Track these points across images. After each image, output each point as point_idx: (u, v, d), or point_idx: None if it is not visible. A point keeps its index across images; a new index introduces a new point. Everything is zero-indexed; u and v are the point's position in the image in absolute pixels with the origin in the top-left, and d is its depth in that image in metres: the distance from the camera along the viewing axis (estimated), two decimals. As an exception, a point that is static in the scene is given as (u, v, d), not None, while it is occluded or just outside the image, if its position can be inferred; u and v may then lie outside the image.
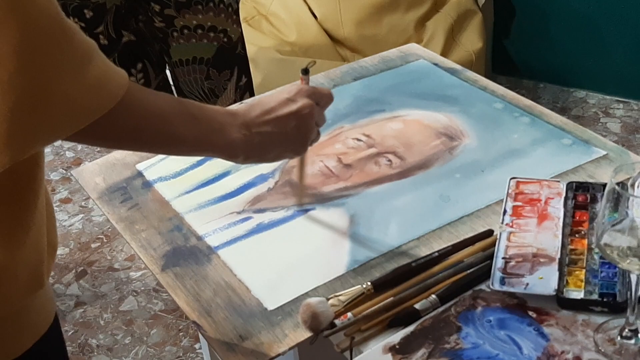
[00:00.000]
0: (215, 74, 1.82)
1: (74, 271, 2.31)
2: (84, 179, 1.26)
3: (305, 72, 1.07)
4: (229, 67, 1.84)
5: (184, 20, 1.73)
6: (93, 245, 2.41)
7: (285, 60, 2.58)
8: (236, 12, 1.81)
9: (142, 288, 2.22)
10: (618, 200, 0.83)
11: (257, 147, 0.98)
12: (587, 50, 2.91)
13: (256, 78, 2.54)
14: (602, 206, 0.84)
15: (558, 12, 2.92)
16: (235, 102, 1.91)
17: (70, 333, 2.11)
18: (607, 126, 2.79)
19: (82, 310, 2.18)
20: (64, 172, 2.74)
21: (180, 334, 2.07)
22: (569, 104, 2.93)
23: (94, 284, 2.27)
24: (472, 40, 2.67)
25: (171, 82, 1.93)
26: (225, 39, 1.79)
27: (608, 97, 2.93)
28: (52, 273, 2.30)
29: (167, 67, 1.88)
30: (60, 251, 2.39)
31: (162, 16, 1.74)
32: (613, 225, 0.84)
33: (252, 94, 1.96)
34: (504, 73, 3.07)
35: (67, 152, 2.85)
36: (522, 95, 3.25)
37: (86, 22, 1.72)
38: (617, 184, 0.84)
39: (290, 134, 1.01)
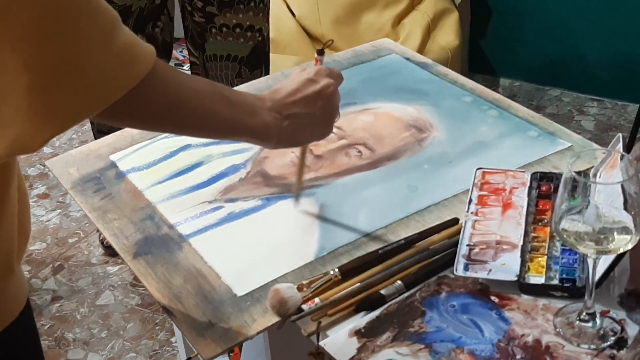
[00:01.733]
0: (247, 72, 1.84)
1: (50, 266, 2.32)
2: (57, 170, 1.27)
3: (321, 52, 1.06)
4: (259, 67, 1.85)
5: (224, 19, 1.75)
6: (70, 240, 2.41)
7: (263, 57, 2.60)
8: (268, 9, 1.83)
9: (119, 282, 2.23)
10: (575, 187, 0.86)
11: (288, 130, 0.98)
12: (562, 49, 2.95)
13: (234, 74, 2.56)
14: (559, 193, 0.87)
15: (534, 11, 2.96)
16: None
17: (46, 327, 2.11)
18: (581, 124, 2.83)
19: (59, 304, 2.18)
20: (42, 167, 2.74)
21: (157, 327, 2.09)
22: (544, 102, 2.96)
23: (71, 278, 2.27)
24: (449, 38, 2.70)
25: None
26: (259, 38, 1.81)
27: (582, 95, 2.97)
28: (29, 268, 2.31)
29: (195, 60, 1.87)
30: (37, 246, 2.39)
31: (204, 12, 1.74)
32: (570, 211, 0.87)
33: None
34: (480, 72, 3.11)
35: (44, 147, 2.85)
36: (498, 93, 3.27)
37: None
38: (576, 172, 0.87)
39: (318, 114, 1.01)
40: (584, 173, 1.02)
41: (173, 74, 0.87)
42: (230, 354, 1.47)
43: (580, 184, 0.85)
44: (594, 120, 2.85)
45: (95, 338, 2.08)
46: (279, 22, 2.69)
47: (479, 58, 3.11)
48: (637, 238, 0.85)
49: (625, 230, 0.86)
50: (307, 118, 0.99)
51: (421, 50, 2.64)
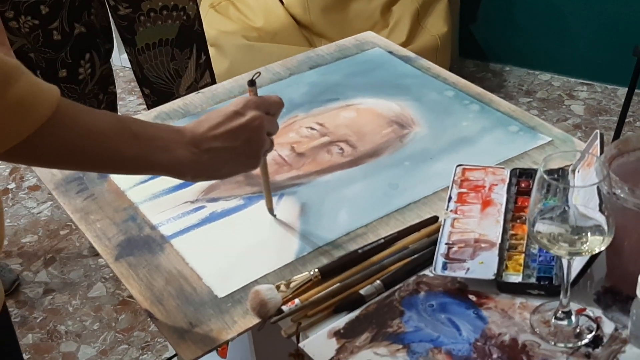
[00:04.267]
0: (178, 53, 1.86)
1: (42, 258, 2.33)
2: (41, 170, 1.27)
3: (252, 83, 1.04)
4: (189, 45, 1.88)
5: (151, 3, 1.77)
6: (62, 232, 2.42)
7: (252, 46, 2.60)
8: None
9: (111, 274, 2.24)
10: (549, 187, 0.86)
11: (206, 165, 0.95)
12: (552, 34, 2.95)
13: (223, 65, 2.55)
14: (533, 193, 0.87)
15: (523, -5, 2.95)
16: (196, 80, 1.95)
17: (38, 320, 2.12)
18: (571, 108, 2.83)
19: (51, 297, 2.20)
20: (33, 159, 2.74)
21: (148, 319, 2.09)
22: (534, 86, 2.96)
23: (63, 270, 2.28)
24: (438, 25, 2.70)
25: (116, 72, 1.96)
26: (184, 17, 1.84)
27: (572, 79, 2.97)
28: (21, 260, 2.32)
29: (129, 57, 1.90)
30: (28, 238, 2.40)
31: (129, 2, 1.76)
32: (545, 212, 0.87)
33: (211, 72, 2.00)
34: (470, 57, 3.10)
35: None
36: (489, 78, 3.26)
37: (41, 19, 1.73)
38: (548, 171, 0.87)
39: (242, 148, 0.97)
40: (563, 170, 1.03)
41: (77, 115, 0.86)
42: (218, 349, 1.48)
43: (552, 185, 0.86)
44: (584, 104, 2.85)
45: (88, 330, 2.09)
46: (268, 11, 2.69)
47: (470, 43, 3.10)
48: (610, 239, 0.86)
49: (599, 230, 0.86)
50: (228, 152, 0.96)
51: (410, 37, 2.64)
